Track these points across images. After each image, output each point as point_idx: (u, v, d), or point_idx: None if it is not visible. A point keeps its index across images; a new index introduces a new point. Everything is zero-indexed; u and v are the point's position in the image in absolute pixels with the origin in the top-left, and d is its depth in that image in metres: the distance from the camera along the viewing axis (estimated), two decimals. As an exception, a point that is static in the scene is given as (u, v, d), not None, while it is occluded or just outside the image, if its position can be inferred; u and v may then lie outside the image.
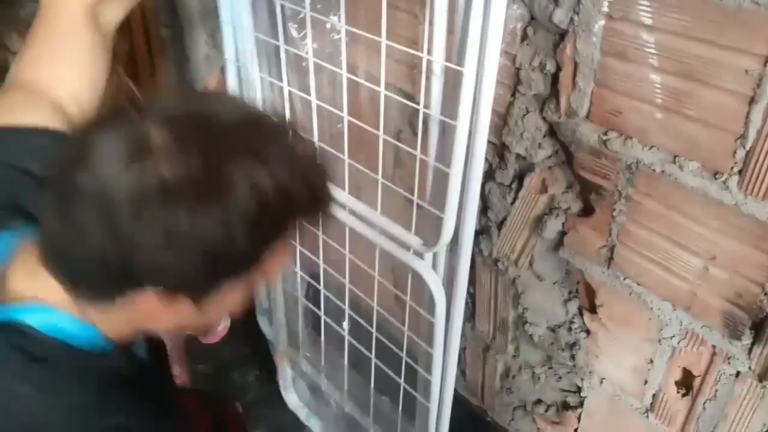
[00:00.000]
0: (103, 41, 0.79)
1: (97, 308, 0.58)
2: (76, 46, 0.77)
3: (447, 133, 0.69)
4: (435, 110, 0.70)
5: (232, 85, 0.95)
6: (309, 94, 0.84)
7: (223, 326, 1.49)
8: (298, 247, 1.00)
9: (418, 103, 0.76)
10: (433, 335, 0.81)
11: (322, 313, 1.03)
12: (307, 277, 1.07)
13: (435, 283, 0.76)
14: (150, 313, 0.57)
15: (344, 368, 1.04)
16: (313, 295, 1.07)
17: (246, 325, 1.43)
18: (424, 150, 0.75)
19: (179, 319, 0.60)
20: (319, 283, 1.03)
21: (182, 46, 1.66)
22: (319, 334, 1.10)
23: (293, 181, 0.54)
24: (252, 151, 0.53)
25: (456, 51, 0.62)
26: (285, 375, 1.32)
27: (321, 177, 0.59)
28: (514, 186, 0.95)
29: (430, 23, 0.65)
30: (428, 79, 0.69)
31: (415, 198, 0.77)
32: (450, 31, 0.70)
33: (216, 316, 0.62)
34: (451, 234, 0.71)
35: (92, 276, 0.54)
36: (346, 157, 0.82)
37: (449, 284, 0.78)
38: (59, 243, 0.54)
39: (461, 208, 0.69)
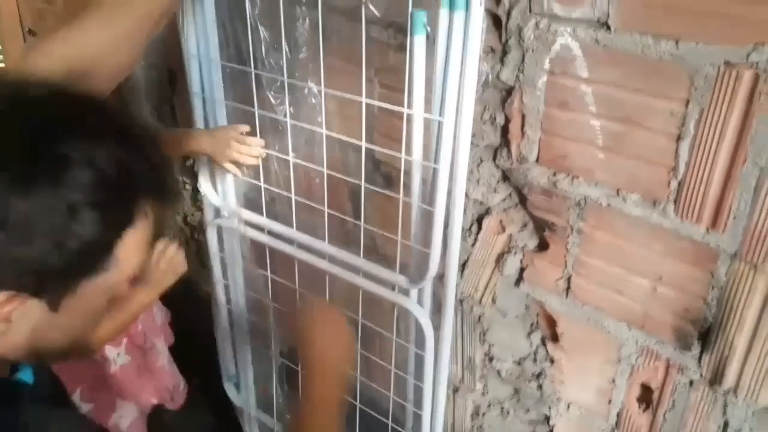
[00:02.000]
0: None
1: None
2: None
3: (426, 176, 0.77)
4: (417, 157, 0.78)
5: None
6: (284, 154, 0.90)
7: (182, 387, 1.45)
8: (272, 304, 1.03)
9: (390, 157, 0.83)
10: (422, 370, 0.85)
11: (299, 368, 1.05)
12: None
13: (423, 317, 0.82)
14: (4, 326, 0.52)
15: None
16: (288, 350, 1.10)
17: (210, 392, 1.42)
18: (401, 194, 0.82)
19: (37, 330, 0.55)
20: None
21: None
22: (296, 391, 1.11)
23: (130, 154, 0.53)
24: (78, 126, 0.51)
25: (434, 104, 0.71)
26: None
27: (155, 150, 0.57)
28: (473, 229, 1.02)
29: (409, 84, 0.74)
30: (408, 131, 0.77)
31: (399, 238, 0.83)
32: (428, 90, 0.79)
33: (78, 322, 0.58)
34: (437, 267, 0.78)
35: None
36: (326, 208, 0.88)
37: (434, 317, 0.84)
38: None
39: (445, 243, 0.76)
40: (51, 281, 0.52)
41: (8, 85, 0.53)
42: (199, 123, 0.99)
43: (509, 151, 0.91)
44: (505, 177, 0.95)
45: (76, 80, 0.71)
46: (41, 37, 0.73)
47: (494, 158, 0.94)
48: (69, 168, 0.49)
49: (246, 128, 1.00)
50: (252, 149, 1.02)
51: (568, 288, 0.94)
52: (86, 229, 0.50)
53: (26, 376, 0.63)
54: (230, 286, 1.14)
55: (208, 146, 1.05)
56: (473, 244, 1.03)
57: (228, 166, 1.04)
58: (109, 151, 0.51)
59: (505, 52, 0.85)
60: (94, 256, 0.53)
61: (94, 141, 0.51)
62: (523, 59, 0.83)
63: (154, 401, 1.33)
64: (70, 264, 0.51)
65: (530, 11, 0.79)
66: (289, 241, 0.93)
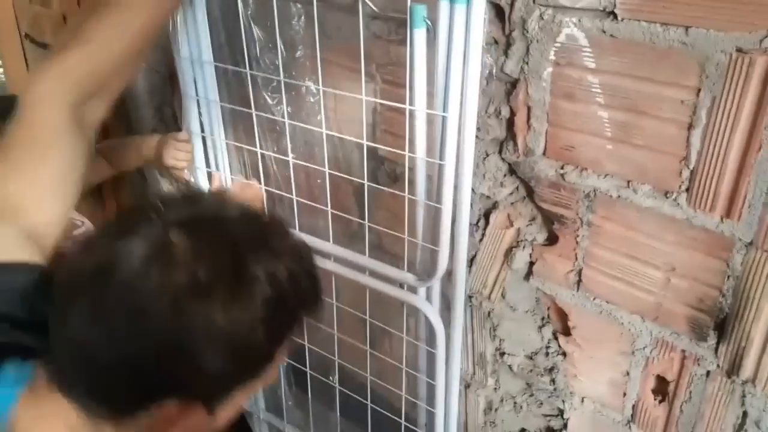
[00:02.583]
0: (86, 147, 0.73)
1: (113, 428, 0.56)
2: (58, 157, 0.69)
3: (432, 173, 0.75)
4: (420, 154, 0.77)
5: (199, 155, 0.99)
6: (283, 155, 0.89)
7: None
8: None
9: (393, 154, 0.82)
10: (433, 367, 0.84)
11: (308, 369, 1.05)
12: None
13: (433, 314, 0.81)
14: (163, 426, 0.56)
15: (337, 422, 1.05)
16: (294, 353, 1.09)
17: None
18: (406, 192, 0.81)
19: (190, 430, 0.58)
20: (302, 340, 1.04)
21: (129, 122, 1.66)
22: (305, 393, 1.11)
23: (300, 271, 0.58)
24: (264, 245, 0.56)
25: (437, 99, 0.69)
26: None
27: (315, 267, 0.62)
28: (481, 224, 1.01)
29: (410, 79, 0.72)
30: (411, 128, 0.76)
31: (405, 236, 0.82)
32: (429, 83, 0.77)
33: (224, 421, 0.62)
34: (445, 265, 0.77)
35: (117, 389, 0.53)
36: (329, 208, 0.87)
37: (443, 313, 0.83)
38: (84, 356, 0.53)
39: (453, 239, 0.75)
40: (219, 389, 0.56)
41: (210, 207, 0.58)
42: (195, 126, 0.98)
43: (515, 144, 0.90)
44: (512, 170, 0.93)
45: (88, 99, 0.72)
46: (53, 57, 0.70)
47: (500, 152, 0.93)
48: (256, 286, 0.53)
49: (183, 136, 1.01)
50: (179, 153, 1.03)
51: (579, 281, 0.92)
52: (260, 341, 0.54)
53: None
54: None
55: (150, 156, 1.07)
56: (481, 240, 1.02)
57: (172, 172, 1.06)
58: (286, 269, 0.55)
59: (509, 44, 0.83)
60: (259, 365, 0.58)
61: (275, 260, 0.55)
62: (527, 51, 0.81)
63: None
64: (238, 373, 0.56)
65: (534, 2, 0.78)
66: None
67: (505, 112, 0.89)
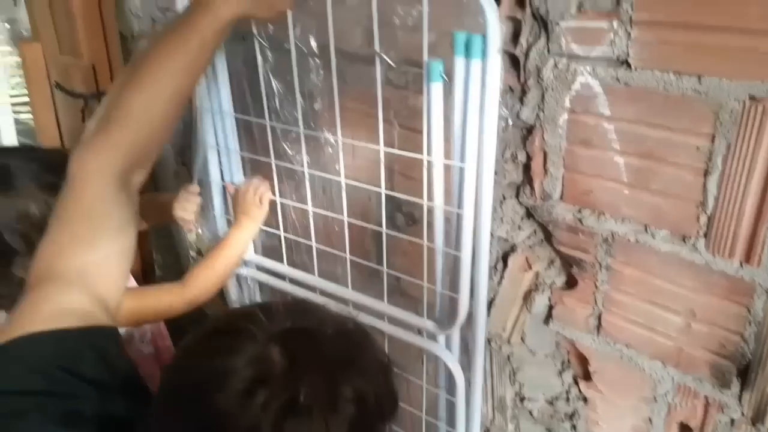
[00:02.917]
0: (133, 209, 0.76)
1: None
2: (112, 226, 0.72)
3: (450, 217, 0.76)
4: (438, 202, 0.78)
5: (218, 203, 1.01)
6: (302, 203, 0.91)
7: None
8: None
9: (408, 199, 0.83)
10: (453, 416, 0.84)
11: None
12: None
13: (453, 363, 0.81)
14: None
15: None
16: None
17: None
18: (425, 238, 0.82)
19: None
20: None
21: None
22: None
23: (384, 390, 0.60)
24: (354, 364, 0.58)
25: (455, 149, 0.71)
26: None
27: (396, 382, 0.63)
28: (499, 267, 1.01)
29: (428, 129, 0.74)
30: (429, 177, 0.77)
31: (425, 283, 0.82)
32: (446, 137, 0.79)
33: None
34: (466, 312, 0.77)
35: None
36: (347, 254, 0.88)
37: (461, 356, 0.83)
38: None
39: (472, 285, 0.75)
40: None
41: (308, 321, 0.60)
42: (215, 174, 1.00)
43: (532, 188, 0.91)
44: (529, 214, 0.94)
45: (133, 167, 0.74)
46: (97, 132, 0.73)
47: (517, 195, 0.94)
48: (345, 406, 0.55)
49: (194, 188, 1.04)
50: (187, 204, 1.06)
51: (599, 326, 0.92)
52: None
53: None
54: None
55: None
56: (499, 283, 1.02)
57: (180, 222, 1.09)
58: (372, 390, 0.57)
59: (524, 92, 0.85)
60: None
61: (363, 380, 0.57)
62: (543, 98, 0.83)
63: None
64: None
65: (548, 52, 0.80)
66: (311, 288, 0.92)
67: (522, 157, 0.90)
